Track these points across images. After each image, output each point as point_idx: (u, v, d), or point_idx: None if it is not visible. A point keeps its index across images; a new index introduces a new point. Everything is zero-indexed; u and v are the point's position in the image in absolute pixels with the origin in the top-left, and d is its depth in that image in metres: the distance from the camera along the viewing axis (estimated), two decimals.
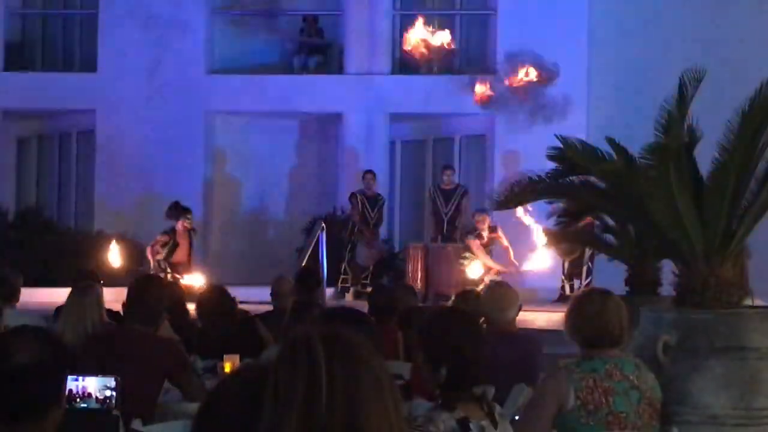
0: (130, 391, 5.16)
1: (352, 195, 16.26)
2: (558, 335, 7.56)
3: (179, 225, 15.60)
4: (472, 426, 3.77)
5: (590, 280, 14.75)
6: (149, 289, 6.13)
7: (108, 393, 4.77)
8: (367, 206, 16.19)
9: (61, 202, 19.12)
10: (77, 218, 18.67)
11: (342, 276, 16.06)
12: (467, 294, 8.49)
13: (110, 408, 4.76)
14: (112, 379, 4.79)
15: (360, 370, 1.91)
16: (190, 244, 15.77)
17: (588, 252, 14.36)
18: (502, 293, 6.86)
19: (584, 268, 14.91)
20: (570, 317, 5.03)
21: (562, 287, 15.17)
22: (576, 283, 15.11)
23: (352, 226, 16.08)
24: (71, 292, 7.21)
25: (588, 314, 4.92)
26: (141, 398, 5.62)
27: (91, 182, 18.06)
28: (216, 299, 8.04)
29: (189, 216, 15.73)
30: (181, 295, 8.43)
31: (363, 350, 1.95)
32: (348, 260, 16.06)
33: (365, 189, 16.27)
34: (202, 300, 8.21)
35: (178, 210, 15.68)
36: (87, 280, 7.92)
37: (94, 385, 4.74)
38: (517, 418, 5.22)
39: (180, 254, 15.59)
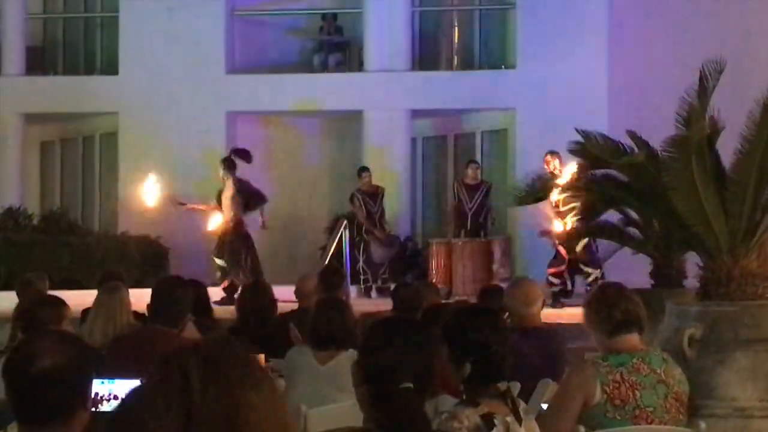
0: None
1: (352, 196, 16.24)
2: (567, 329, 7.58)
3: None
4: (496, 422, 3.77)
5: (602, 274, 14.41)
6: (173, 290, 6.16)
7: None
8: (369, 202, 16.17)
9: (85, 204, 19.21)
10: (101, 220, 18.75)
11: (362, 276, 16.05)
12: (491, 290, 8.49)
13: None
14: (139, 382, 4.81)
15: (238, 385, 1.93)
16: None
17: (594, 245, 14.11)
18: (526, 288, 6.86)
19: (588, 260, 14.54)
20: (589, 308, 5.06)
21: (564, 282, 14.68)
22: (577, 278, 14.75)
23: (359, 226, 16.06)
24: (98, 294, 7.24)
25: (606, 303, 4.95)
26: None
27: (114, 184, 18.14)
28: (258, 298, 8.06)
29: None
30: (206, 296, 8.44)
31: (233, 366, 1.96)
32: (364, 260, 16.04)
33: (361, 186, 16.19)
34: (243, 297, 8.24)
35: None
36: (113, 281, 7.95)
37: (121, 388, 4.76)
38: (543, 412, 5.22)
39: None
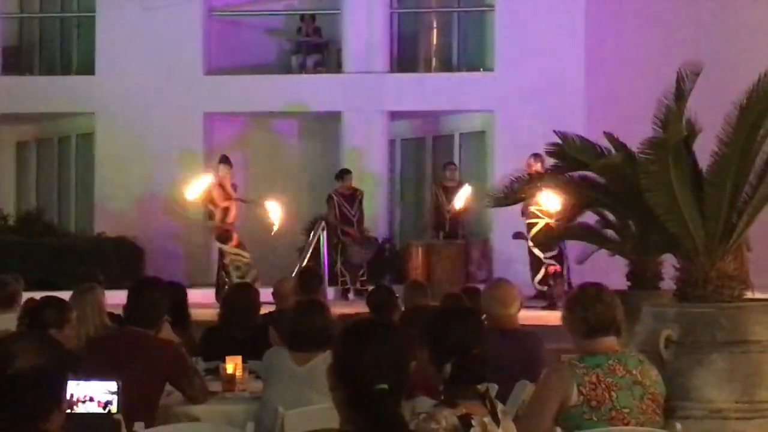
0: (131, 394, 5.16)
1: (329, 196, 16.22)
2: (541, 331, 7.59)
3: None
4: (474, 423, 3.77)
5: (568, 271, 14.53)
6: (149, 292, 6.13)
7: (110, 397, 4.77)
8: (345, 205, 16.14)
9: (62, 205, 19.13)
10: (77, 221, 18.68)
11: (340, 278, 16.03)
12: (469, 291, 8.50)
13: (112, 412, 4.76)
14: (114, 383, 4.80)
15: None
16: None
17: (565, 248, 14.22)
18: (504, 290, 6.87)
19: (564, 264, 14.69)
20: (567, 310, 5.07)
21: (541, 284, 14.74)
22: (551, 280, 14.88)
23: (335, 228, 16.04)
24: (72, 295, 7.21)
25: (584, 304, 4.97)
26: (142, 401, 5.61)
27: (90, 185, 18.06)
28: (244, 301, 8.03)
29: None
30: (184, 298, 8.39)
31: None
32: (342, 261, 16.02)
33: (339, 189, 16.17)
34: (230, 298, 8.20)
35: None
36: (88, 282, 7.91)
37: (95, 389, 4.73)
38: (520, 413, 5.23)
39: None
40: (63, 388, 3.00)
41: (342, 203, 16.08)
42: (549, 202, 13.04)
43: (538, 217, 14.32)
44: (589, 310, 4.95)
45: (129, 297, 6.11)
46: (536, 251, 14.57)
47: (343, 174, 16.26)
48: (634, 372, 4.94)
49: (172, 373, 5.94)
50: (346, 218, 16.06)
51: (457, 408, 3.79)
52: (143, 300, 6.05)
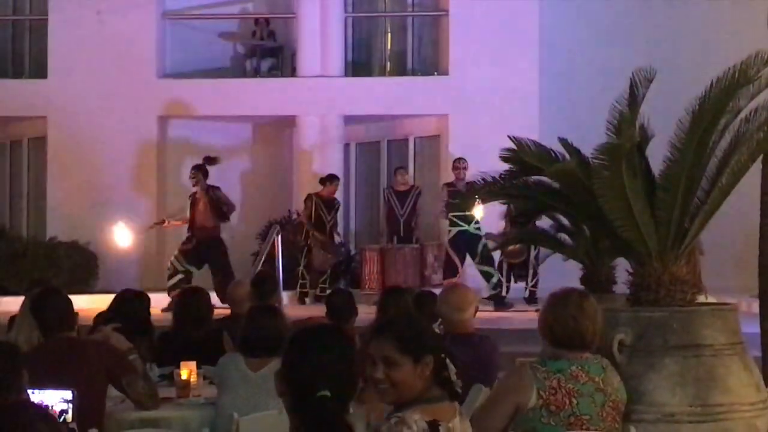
0: (80, 401, 5.11)
1: (308, 197, 16.20)
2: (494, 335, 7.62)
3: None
4: (441, 429, 3.78)
5: (536, 281, 14.78)
6: (47, 299, 6.11)
7: (64, 405, 4.74)
8: (323, 210, 16.12)
9: (13, 209, 18.94)
10: (29, 226, 18.52)
11: (300, 281, 15.99)
12: (425, 295, 8.50)
13: (67, 421, 4.73)
14: (69, 391, 4.76)
15: None
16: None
17: (533, 253, 14.40)
18: (459, 294, 6.88)
19: (530, 270, 14.89)
20: (545, 316, 5.05)
21: (501, 290, 14.85)
22: (520, 284, 15.08)
23: (306, 230, 16.02)
24: (23, 302, 7.14)
25: (564, 316, 4.94)
26: (91, 406, 5.56)
27: (43, 189, 17.91)
28: (196, 303, 7.98)
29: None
30: (147, 303, 8.28)
31: None
32: (305, 265, 15.99)
33: (325, 193, 16.14)
34: (182, 301, 8.14)
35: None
36: (37, 288, 7.82)
37: (50, 398, 4.70)
38: (474, 413, 5.23)
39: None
40: None
41: (320, 207, 16.04)
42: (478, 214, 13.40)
43: (457, 225, 14.64)
44: (557, 323, 4.93)
45: (33, 309, 6.11)
46: (453, 255, 14.80)
47: (332, 179, 16.19)
48: (596, 379, 4.94)
49: (110, 373, 5.88)
50: (320, 222, 16.00)
51: (427, 412, 3.79)
52: (49, 307, 6.02)
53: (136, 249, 16.49)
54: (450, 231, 15.06)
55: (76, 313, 6.23)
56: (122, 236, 15.82)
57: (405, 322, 4.11)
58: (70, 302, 6.17)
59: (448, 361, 3.83)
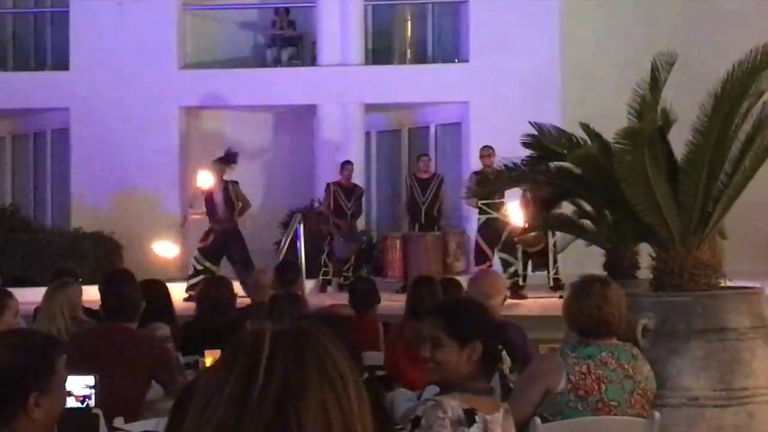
0: (111, 390, 5.14)
1: (327, 186, 16.25)
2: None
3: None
4: (477, 419, 3.78)
5: (557, 268, 14.69)
6: (120, 285, 6.11)
7: (87, 391, 4.76)
8: (342, 197, 16.14)
9: (38, 201, 19.04)
10: (54, 217, 18.61)
11: (323, 269, 16.04)
12: (448, 282, 8.49)
13: (90, 406, 4.75)
14: (91, 377, 4.78)
15: (305, 367, 1.71)
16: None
17: (552, 241, 14.35)
18: (490, 281, 6.85)
19: (550, 258, 14.79)
20: (569, 307, 5.03)
21: (517, 279, 14.78)
22: (540, 273, 15.02)
23: (326, 218, 16.06)
24: (45, 292, 7.19)
25: (588, 306, 4.91)
26: (123, 396, 5.60)
27: (66, 180, 18.00)
28: (219, 292, 8.04)
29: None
30: (166, 291, 8.34)
31: (318, 348, 1.75)
32: (328, 253, 16.03)
33: (342, 180, 16.22)
34: (205, 290, 8.21)
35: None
36: (62, 279, 7.87)
37: (73, 384, 4.72)
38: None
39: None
40: (27, 391, 2.98)
41: (339, 195, 16.08)
42: (513, 215, 13.56)
43: (486, 213, 14.83)
44: (583, 312, 4.91)
45: (101, 292, 6.09)
46: (482, 244, 14.79)
47: (344, 165, 16.25)
48: (626, 366, 4.92)
49: (155, 369, 5.93)
50: (340, 210, 16.04)
51: (465, 400, 3.80)
52: (116, 293, 6.03)
53: (159, 239, 16.57)
54: (480, 219, 15.13)
55: (141, 304, 6.18)
56: (166, 250, 16.09)
57: (457, 305, 4.14)
58: (138, 291, 6.16)
59: (504, 353, 3.85)
